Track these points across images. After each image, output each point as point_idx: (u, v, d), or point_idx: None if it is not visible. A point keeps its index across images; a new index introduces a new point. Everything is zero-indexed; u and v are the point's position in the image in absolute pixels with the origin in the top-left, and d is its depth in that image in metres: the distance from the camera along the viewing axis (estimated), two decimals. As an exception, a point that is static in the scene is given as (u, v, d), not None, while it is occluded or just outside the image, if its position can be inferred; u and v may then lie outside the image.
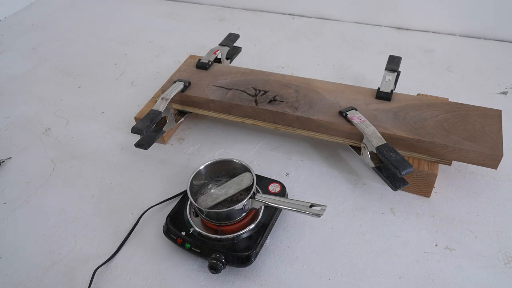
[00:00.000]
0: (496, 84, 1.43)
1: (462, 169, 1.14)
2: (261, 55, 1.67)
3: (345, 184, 1.12)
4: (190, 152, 1.26)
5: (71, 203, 1.13)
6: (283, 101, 1.15)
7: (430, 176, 1.03)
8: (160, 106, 1.15)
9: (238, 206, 0.92)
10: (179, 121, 1.28)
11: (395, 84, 1.16)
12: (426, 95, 1.21)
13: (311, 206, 0.88)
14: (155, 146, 1.27)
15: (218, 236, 0.93)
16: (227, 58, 1.40)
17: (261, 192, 1.00)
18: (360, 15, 1.83)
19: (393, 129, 1.03)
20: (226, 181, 1.03)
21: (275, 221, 1.00)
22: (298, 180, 1.14)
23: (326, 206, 0.87)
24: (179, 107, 1.26)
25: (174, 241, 0.97)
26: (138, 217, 1.06)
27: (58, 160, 1.27)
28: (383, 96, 1.13)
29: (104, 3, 2.20)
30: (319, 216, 0.87)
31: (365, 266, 0.94)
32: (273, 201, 0.94)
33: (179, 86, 1.21)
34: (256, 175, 0.98)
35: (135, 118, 1.27)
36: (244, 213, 0.95)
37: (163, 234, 1.00)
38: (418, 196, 1.08)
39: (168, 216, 1.00)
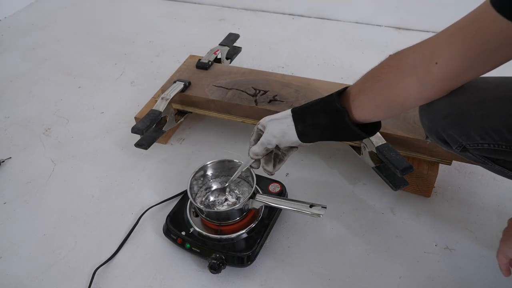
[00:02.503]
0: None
1: (462, 169, 1.14)
2: (261, 55, 1.67)
3: (345, 184, 1.12)
4: (190, 152, 1.26)
5: (71, 203, 1.13)
6: (283, 101, 1.15)
7: (430, 176, 1.03)
8: (160, 106, 1.15)
9: (238, 206, 0.92)
10: (179, 121, 1.28)
11: (395, 84, 1.16)
12: (426, 95, 1.21)
13: (311, 206, 0.88)
14: (155, 146, 1.27)
15: (218, 236, 0.93)
16: (227, 58, 1.40)
17: (261, 192, 1.00)
18: (360, 15, 1.83)
19: (393, 129, 1.03)
20: (226, 181, 1.03)
21: (275, 221, 1.00)
22: (298, 180, 1.14)
23: (326, 206, 0.87)
24: (179, 107, 1.26)
25: (174, 241, 0.97)
26: (138, 217, 1.06)
27: (58, 160, 1.27)
28: (383, 96, 1.13)
29: (104, 3, 2.20)
30: (320, 216, 0.87)
31: (365, 266, 0.94)
32: (273, 201, 0.94)
33: (179, 86, 1.21)
34: (256, 175, 0.98)
35: (135, 118, 1.27)
36: (244, 213, 0.95)
37: (163, 234, 1.00)
38: (418, 196, 1.08)
39: (168, 216, 1.00)
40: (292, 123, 0.80)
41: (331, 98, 0.76)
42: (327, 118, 0.76)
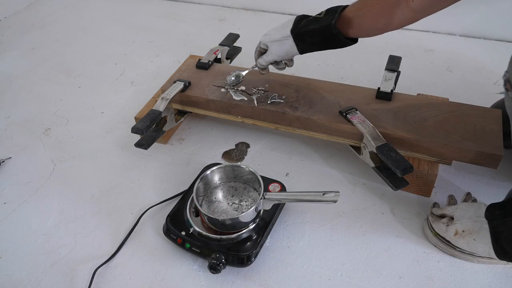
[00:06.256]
0: (496, 84, 1.43)
1: (462, 169, 1.14)
2: (261, 55, 1.67)
3: (345, 184, 1.12)
4: (190, 152, 1.26)
5: (71, 203, 1.13)
6: (283, 101, 1.15)
7: (430, 176, 1.03)
8: (160, 106, 1.15)
9: (251, 210, 0.91)
10: (179, 121, 1.28)
11: (395, 84, 1.16)
12: (426, 95, 1.21)
13: (324, 194, 0.88)
14: (155, 146, 1.27)
15: (218, 236, 0.93)
16: (227, 58, 1.40)
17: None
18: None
19: (393, 129, 1.03)
20: (232, 187, 1.04)
21: (275, 221, 1.00)
22: (298, 180, 1.14)
23: (339, 192, 0.88)
24: (179, 107, 1.26)
25: (174, 241, 0.97)
26: (138, 217, 1.06)
27: (58, 160, 1.27)
28: (383, 96, 1.13)
29: (104, 3, 2.20)
30: (335, 202, 0.87)
31: (365, 266, 0.94)
32: (285, 196, 0.93)
33: (179, 86, 1.21)
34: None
35: (135, 118, 1.27)
36: (255, 216, 0.94)
37: (163, 234, 1.00)
38: (418, 196, 1.08)
39: (168, 216, 1.00)
40: (294, 44, 1.00)
41: (329, 26, 0.94)
42: (323, 37, 0.97)
